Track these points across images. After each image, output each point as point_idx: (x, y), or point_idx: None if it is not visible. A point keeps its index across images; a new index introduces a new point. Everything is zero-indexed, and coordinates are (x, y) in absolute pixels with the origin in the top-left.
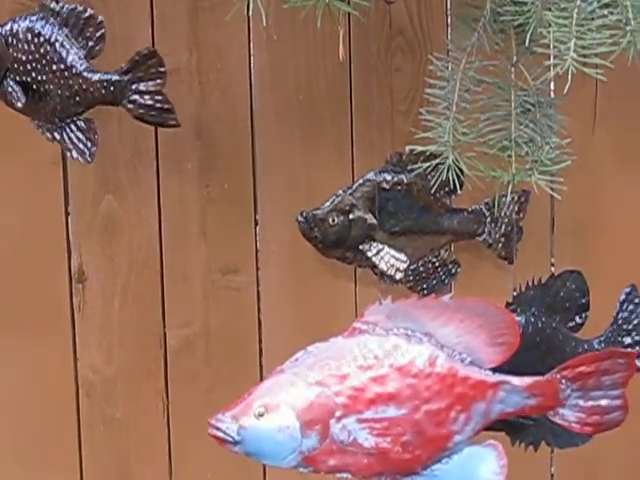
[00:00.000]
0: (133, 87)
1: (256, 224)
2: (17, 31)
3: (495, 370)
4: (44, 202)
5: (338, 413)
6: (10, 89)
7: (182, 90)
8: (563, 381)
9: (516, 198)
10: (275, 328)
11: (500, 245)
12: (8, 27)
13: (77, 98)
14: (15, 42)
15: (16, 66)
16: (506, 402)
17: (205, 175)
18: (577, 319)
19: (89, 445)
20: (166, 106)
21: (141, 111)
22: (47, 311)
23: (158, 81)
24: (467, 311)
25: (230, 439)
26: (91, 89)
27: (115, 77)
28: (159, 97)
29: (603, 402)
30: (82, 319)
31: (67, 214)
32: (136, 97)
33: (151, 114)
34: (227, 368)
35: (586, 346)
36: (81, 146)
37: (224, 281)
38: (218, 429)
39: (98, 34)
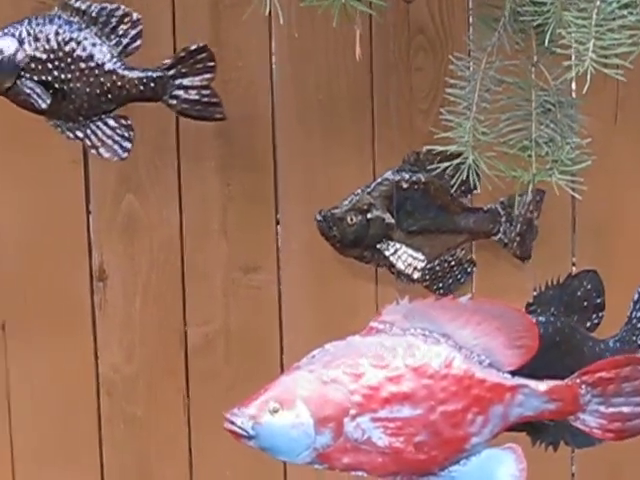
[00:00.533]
0: (177, 82)
1: (277, 223)
2: (34, 30)
3: (515, 373)
4: (65, 201)
5: (353, 411)
6: (29, 90)
7: None
8: (583, 386)
9: (531, 197)
10: (295, 327)
11: (515, 244)
12: (24, 26)
13: (109, 95)
14: (32, 41)
15: (33, 65)
16: (525, 406)
17: (226, 173)
18: (594, 318)
19: (110, 443)
20: (213, 100)
21: (185, 106)
22: (68, 309)
23: (207, 75)
24: (484, 313)
25: (245, 434)
26: (127, 86)
27: (157, 73)
28: (206, 91)
29: (625, 409)
30: (103, 317)
31: (88, 212)
32: (180, 92)
33: (196, 108)
34: (247, 366)
35: (602, 345)
36: (110, 143)
37: (245, 279)
38: (233, 424)
39: (134, 32)
